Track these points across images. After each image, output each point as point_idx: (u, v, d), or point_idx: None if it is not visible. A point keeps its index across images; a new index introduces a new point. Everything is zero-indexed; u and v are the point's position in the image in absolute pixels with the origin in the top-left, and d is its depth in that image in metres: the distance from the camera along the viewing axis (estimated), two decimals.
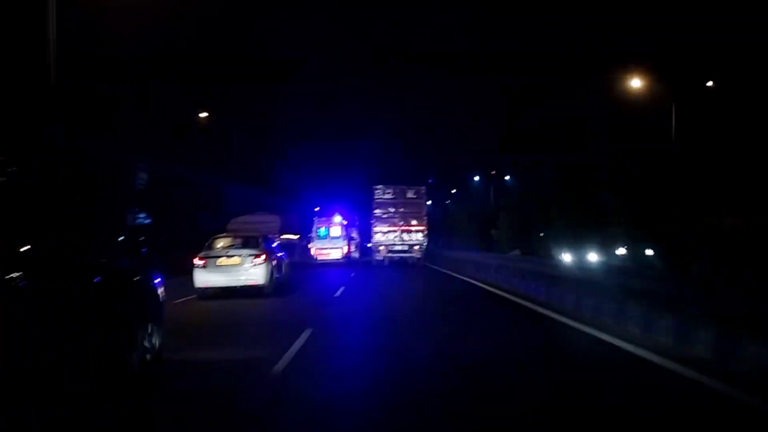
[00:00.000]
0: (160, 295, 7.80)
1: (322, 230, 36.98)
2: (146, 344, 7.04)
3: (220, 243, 16.72)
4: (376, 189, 33.71)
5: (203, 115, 35.68)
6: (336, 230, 37.18)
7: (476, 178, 57.05)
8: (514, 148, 48.16)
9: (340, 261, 36.26)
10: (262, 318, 12.96)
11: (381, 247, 33.50)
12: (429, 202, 38.29)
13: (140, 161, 43.52)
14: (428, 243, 33.92)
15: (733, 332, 7.12)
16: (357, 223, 45.00)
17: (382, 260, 33.80)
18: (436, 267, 31.16)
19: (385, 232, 33.40)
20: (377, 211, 33.60)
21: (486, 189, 54.18)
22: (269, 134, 45.49)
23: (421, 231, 33.36)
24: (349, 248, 38.36)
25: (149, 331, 7.16)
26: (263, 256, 16.06)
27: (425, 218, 33.63)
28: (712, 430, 5.51)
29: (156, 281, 7.70)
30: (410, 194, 33.64)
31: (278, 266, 17.32)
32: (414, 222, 33.43)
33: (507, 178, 51.29)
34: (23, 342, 5.34)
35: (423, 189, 33.87)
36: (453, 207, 60.84)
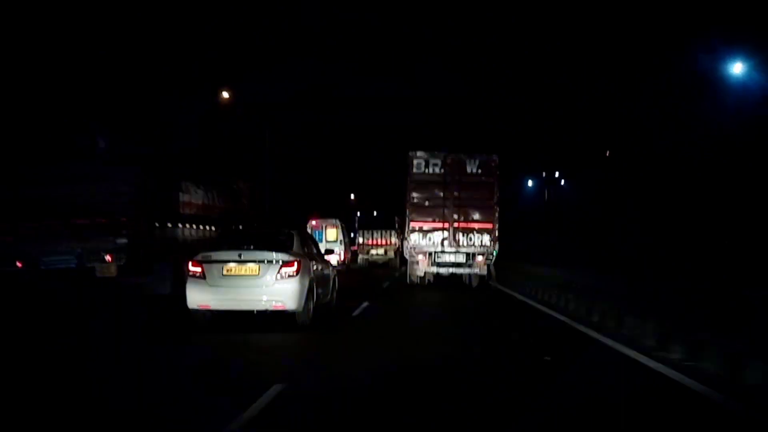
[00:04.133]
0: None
1: (315, 234, 29.89)
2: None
3: (230, 241, 12.02)
4: (415, 158, 20.20)
5: None
6: (331, 233, 31.92)
7: None
8: None
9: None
10: None
11: (420, 256, 19.98)
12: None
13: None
14: (499, 251, 20.23)
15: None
16: (396, 223, 34.61)
17: (422, 277, 20.40)
18: (521, 297, 17.60)
19: (426, 231, 19.89)
20: (415, 195, 20.11)
21: None
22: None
23: (489, 230, 19.76)
24: (346, 255, 32.69)
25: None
26: (296, 265, 10.67)
27: (497, 209, 19.96)
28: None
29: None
30: (472, 168, 20.01)
31: (322, 280, 12.05)
32: (477, 215, 19.87)
33: None
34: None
35: (494, 160, 20.16)
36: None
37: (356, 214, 44.20)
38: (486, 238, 19.71)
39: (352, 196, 52.55)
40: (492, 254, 19.80)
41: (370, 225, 38.70)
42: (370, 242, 37.72)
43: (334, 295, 13.42)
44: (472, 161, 20.01)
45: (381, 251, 37.49)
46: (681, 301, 9.65)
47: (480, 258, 19.77)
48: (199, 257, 10.91)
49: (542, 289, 16.42)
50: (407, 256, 20.50)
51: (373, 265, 36.27)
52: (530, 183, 49.73)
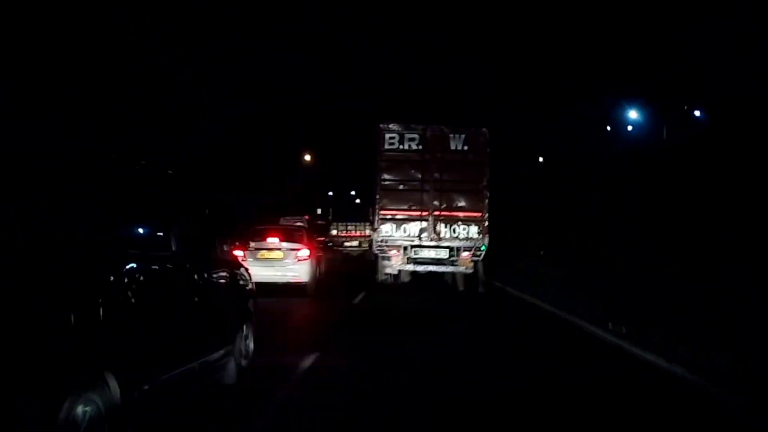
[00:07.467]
0: None
1: None
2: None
3: (261, 234, 15.58)
4: (387, 131, 16.60)
5: None
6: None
7: None
8: None
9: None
10: None
11: (393, 251, 16.41)
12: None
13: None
14: (488, 244, 16.69)
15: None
16: (367, 214, 31.91)
17: (396, 275, 16.88)
18: (534, 300, 14.17)
19: (400, 220, 16.36)
20: (386, 177, 16.54)
21: None
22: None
23: (476, 220, 16.26)
24: (317, 257, 28.36)
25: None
26: (308, 252, 15.11)
27: (486, 194, 16.41)
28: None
29: None
30: (456, 144, 16.45)
31: (319, 263, 17.32)
32: (463, 202, 16.35)
33: None
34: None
35: (483, 134, 16.60)
36: None
37: (329, 194, 41.38)
38: (473, 230, 16.19)
39: (308, 157, 47.20)
40: (480, 249, 16.28)
41: (345, 217, 38.69)
42: (344, 234, 37.42)
43: (323, 275, 17.71)
44: (457, 136, 16.46)
45: (355, 243, 36.52)
46: None
47: (465, 254, 16.25)
48: (241, 244, 14.56)
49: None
50: (376, 251, 16.90)
51: (346, 257, 34.67)
52: (633, 114, 31.71)
